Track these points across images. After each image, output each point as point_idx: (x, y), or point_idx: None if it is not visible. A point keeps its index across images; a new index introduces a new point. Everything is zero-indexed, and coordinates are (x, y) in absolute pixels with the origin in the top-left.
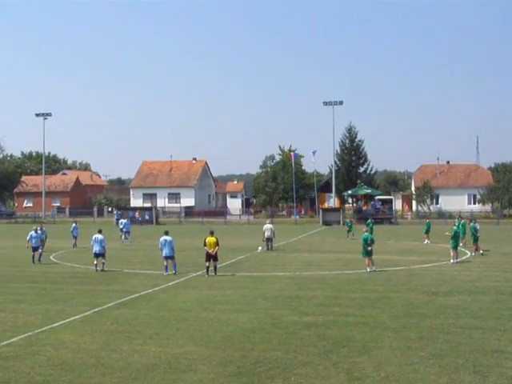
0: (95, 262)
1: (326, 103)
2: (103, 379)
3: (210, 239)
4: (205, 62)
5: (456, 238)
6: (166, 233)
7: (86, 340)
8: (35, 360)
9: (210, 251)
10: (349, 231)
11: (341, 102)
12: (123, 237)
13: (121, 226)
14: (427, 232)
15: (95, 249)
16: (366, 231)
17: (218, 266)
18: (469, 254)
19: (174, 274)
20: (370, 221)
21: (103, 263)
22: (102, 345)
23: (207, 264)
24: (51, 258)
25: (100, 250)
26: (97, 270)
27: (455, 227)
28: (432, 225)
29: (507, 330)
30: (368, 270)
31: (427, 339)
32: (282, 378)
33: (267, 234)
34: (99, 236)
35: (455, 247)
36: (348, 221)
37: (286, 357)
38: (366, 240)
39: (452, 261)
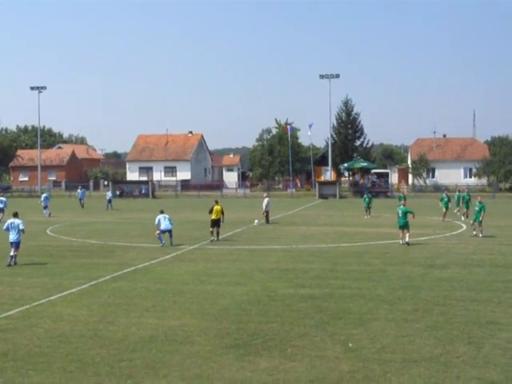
0: (11, 254)
1: (322, 76)
2: (101, 351)
3: (217, 207)
4: (200, 36)
5: (477, 212)
6: (162, 211)
7: (84, 313)
8: (33, 332)
9: (213, 217)
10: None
11: (337, 75)
12: (109, 207)
13: (107, 198)
14: (459, 204)
15: (11, 237)
16: (403, 204)
17: (220, 232)
18: (464, 227)
19: (170, 245)
20: (366, 195)
21: (15, 255)
22: (99, 317)
23: (211, 229)
24: (48, 231)
25: (16, 239)
26: (10, 265)
27: (480, 204)
28: (428, 198)
29: (501, 302)
30: (401, 242)
31: (423, 311)
32: (278, 349)
33: (267, 207)
34: (16, 221)
35: (475, 220)
36: (401, 195)
37: (283, 329)
38: (397, 213)
39: (475, 232)
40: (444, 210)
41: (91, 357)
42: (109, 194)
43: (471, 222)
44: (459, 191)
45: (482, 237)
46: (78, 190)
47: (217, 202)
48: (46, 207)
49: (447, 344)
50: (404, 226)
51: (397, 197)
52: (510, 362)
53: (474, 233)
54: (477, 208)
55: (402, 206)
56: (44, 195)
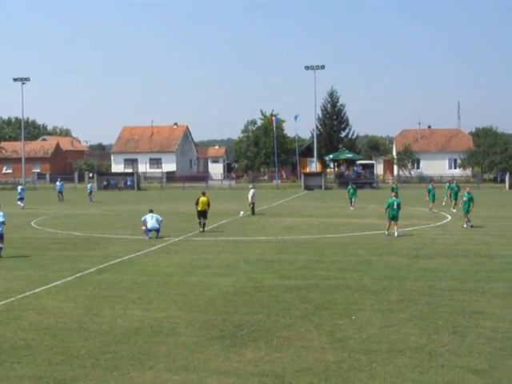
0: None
1: (307, 67)
2: (86, 343)
3: (203, 199)
4: (185, 28)
5: (465, 202)
6: (151, 211)
7: (69, 305)
8: (18, 325)
9: (199, 209)
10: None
11: (322, 67)
12: (90, 199)
13: (88, 190)
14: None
15: None
16: (395, 195)
17: (203, 223)
18: (449, 217)
19: (156, 238)
20: (350, 186)
21: (0, 248)
22: (84, 309)
23: (198, 220)
24: (32, 224)
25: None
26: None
27: (468, 194)
28: (413, 189)
29: (485, 292)
30: (386, 232)
31: (408, 301)
32: (264, 340)
33: (253, 198)
34: None
35: (467, 212)
36: (395, 186)
37: (269, 320)
38: (391, 204)
39: (465, 225)
40: (431, 202)
41: (76, 349)
42: (89, 187)
43: (462, 214)
44: (449, 182)
45: (466, 227)
46: (57, 183)
47: (203, 194)
48: (21, 199)
49: (432, 333)
50: (396, 218)
51: (382, 188)
52: (494, 350)
53: (466, 225)
54: (465, 198)
55: (395, 198)
56: (20, 187)
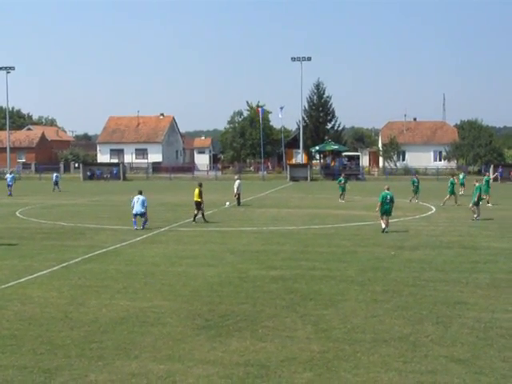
0: None
1: (294, 59)
2: (71, 333)
3: (195, 190)
4: (171, 18)
5: (474, 194)
6: (140, 192)
7: (54, 295)
8: (2, 315)
9: (195, 200)
10: (416, 192)
11: (309, 58)
12: (56, 189)
13: (54, 179)
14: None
15: None
16: (388, 189)
17: (200, 214)
18: (434, 209)
19: (142, 228)
20: (341, 178)
21: None
22: (69, 299)
23: (195, 212)
24: (17, 214)
25: None
26: None
27: (477, 184)
28: (399, 181)
29: (469, 283)
30: (383, 226)
31: (392, 292)
32: (249, 330)
33: (239, 189)
34: None
35: (476, 204)
36: (415, 179)
37: (254, 310)
38: (384, 198)
39: (476, 216)
40: (450, 195)
41: (61, 339)
42: (55, 176)
43: (470, 205)
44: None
45: (478, 220)
46: (7, 175)
47: (199, 185)
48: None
49: (416, 324)
50: (389, 212)
51: (367, 180)
52: (477, 340)
53: (475, 216)
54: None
55: (387, 192)
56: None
